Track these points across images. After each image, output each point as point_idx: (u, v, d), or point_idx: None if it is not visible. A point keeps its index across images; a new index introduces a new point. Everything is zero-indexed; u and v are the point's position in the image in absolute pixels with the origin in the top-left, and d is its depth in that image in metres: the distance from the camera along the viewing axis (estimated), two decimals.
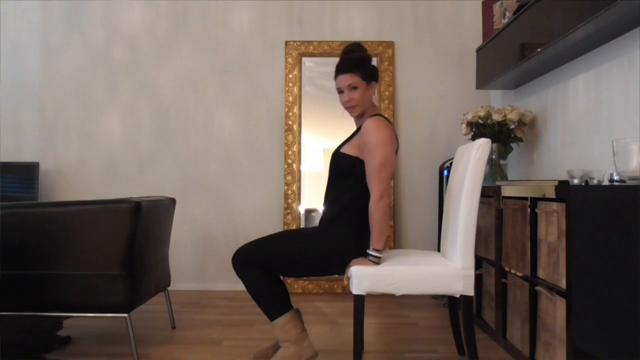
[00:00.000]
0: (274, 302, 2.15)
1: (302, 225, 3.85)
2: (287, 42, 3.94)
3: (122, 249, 2.29)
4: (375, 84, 2.23)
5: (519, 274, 2.32)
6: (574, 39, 2.30)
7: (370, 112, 2.23)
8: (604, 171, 2.04)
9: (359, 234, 2.14)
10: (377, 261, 2.08)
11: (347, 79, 2.17)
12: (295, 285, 3.76)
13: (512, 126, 3.15)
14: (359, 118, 2.26)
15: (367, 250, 2.10)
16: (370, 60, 2.27)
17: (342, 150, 2.20)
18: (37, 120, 4.00)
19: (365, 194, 2.13)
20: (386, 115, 3.85)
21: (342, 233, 2.14)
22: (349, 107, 2.22)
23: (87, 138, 3.99)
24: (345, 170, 2.17)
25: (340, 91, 2.21)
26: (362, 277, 2.06)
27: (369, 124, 2.12)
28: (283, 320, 2.12)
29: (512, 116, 3.08)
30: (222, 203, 3.94)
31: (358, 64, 2.18)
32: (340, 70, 2.20)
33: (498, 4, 3.19)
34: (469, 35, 3.88)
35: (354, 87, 2.18)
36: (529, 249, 2.19)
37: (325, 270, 2.22)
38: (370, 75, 2.20)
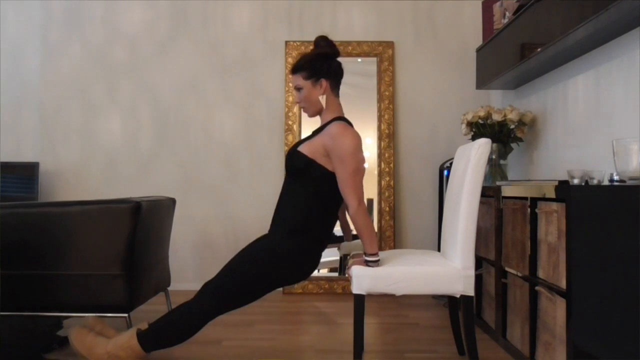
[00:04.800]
0: (166, 341, 2.11)
1: None
2: (287, 42, 3.94)
3: (122, 249, 2.29)
4: (326, 81, 2.15)
5: (519, 274, 2.32)
6: (574, 39, 2.30)
7: (332, 113, 2.19)
8: (604, 171, 2.04)
9: (311, 247, 2.12)
10: (376, 265, 2.08)
11: (293, 80, 2.20)
12: (295, 285, 3.75)
13: (512, 126, 3.15)
14: (320, 117, 2.23)
15: (364, 257, 2.09)
16: (321, 56, 2.18)
17: (299, 148, 2.13)
18: (37, 120, 4.00)
19: (319, 201, 2.10)
20: (384, 116, 3.87)
21: (294, 248, 2.10)
22: (301, 107, 2.24)
23: (87, 138, 3.99)
24: (300, 169, 2.11)
25: None
26: (362, 277, 2.06)
27: (335, 130, 2.07)
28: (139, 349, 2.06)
29: (512, 116, 3.08)
30: (222, 203, 3.94)
31: (302, 64, 2.17)
32: (290, 71, 2.23)
33: (498, 4, 3.19)
34: (469, 35, 3.88)
35: (298, 88, 2.19)
36: (529, 249, 2.19)
37: (280, 284, 2.19)
38: (315, 73, 2.15)
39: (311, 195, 2.10)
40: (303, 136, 3.82)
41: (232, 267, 2.11)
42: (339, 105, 2.23)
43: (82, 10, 4.00)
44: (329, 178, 2.09)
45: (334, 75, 2.20)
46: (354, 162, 2.06)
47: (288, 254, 2.09)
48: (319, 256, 2.17)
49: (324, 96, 2.17)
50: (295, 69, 2.18)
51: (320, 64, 2.16)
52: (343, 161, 2.05)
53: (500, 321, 2.53)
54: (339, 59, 2.24)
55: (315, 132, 2.21)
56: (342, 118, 2.19)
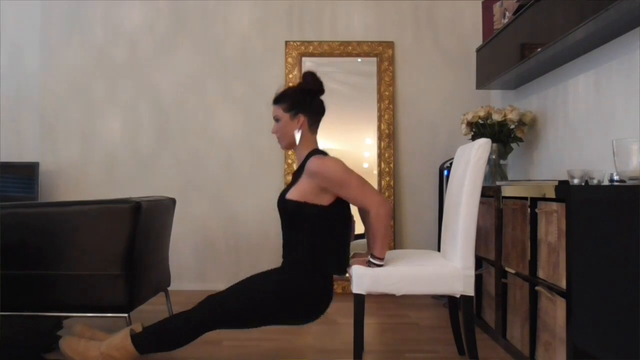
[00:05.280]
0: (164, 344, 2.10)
1: None
2: (287, 42, 3.94)
3: (122, 249, 2.29)
4: (304, 116, 2.14)
5: (519, 274, 2.32)
6: (574, 39, 2.30)
7: (306, 149, 2.17)
8: (604, 171, 2.04)
9: (317, 284, 2.10)
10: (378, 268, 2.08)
11: (273, 110, 2.21)
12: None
13: (512, 126, 3.15)
14: (295, 152, 2.23)
15: (370, 259, 2.09)
16: (305, 92, 2.17)
17: (288, 196, 2.11)
18: (37, 120, 3.99)
19: (322, 237, 2.09)
20: (385, 116, 3.87)
21: (302, 289, 2.07)
22: (277, 137, 2.24)
23: (87, 138, 3.99)
24: (295, 216, 2.10)
25: None
26: (362, 277, 2.06)
27: (315, 166, 2.05)
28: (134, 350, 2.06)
29: (512, 116, 3.08)
30: (222, 203, 3.94)
31: (284, 96, 2.18)
32: (272, 101, 2.22)
33: (498, 4, 3.19)
34: (469, 35, 3.88)
35: (276, 119, 2.20)
36: (529, 249, 2.19)
37: (288, 321, 2.16)
38: (295, 107, 2.14)
39: (312, 235, 2.09)
40: None
41: (242, 288, 2.09)
42: (315, 141, 2.21)
43: (82, 10, 4.00)
44: (326, 214, 2.08)
45: (314, 113, 2.19)
46: (352, 177, 2.07)
47: (299, 294, 2.07)
48: (331, 294, 2.14)
49: (300, 131, 2.15)
50: (277, 100, 2.19)
51: (301, 98, 2.16)
52: (343, 184, 2.05)
53: (500, 321, 2.53)
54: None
55: (296, 173, 2.20)
56: (316, 151, 2.17)
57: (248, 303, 2.05)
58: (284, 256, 2.19)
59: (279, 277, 2.11)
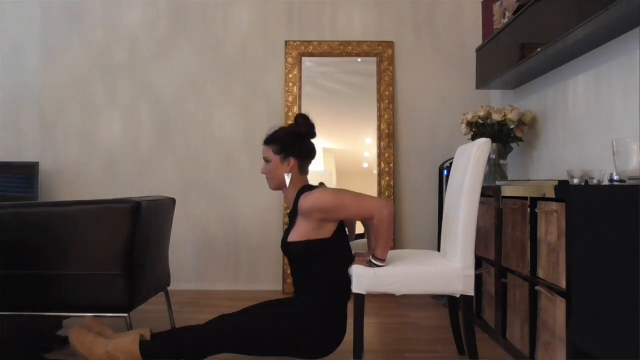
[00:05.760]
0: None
1: None
2: (287, 42, 3.94)
3: (122, 249, 2.29)
4: (295, 160, 2.14)
5: (519, 274, 2.32)
6: (574, 39, 2.30)
7: (294, 189, 2.16)
8: (604, 171, 2.04)
9: (332, 320, 2.10)
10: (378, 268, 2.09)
11: (263, 151, 2.20)
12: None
13: (512, 126, 3.15)
14: (284, 193, 2.23)
15: (371, 259, 2.10)
16: (296, 135, 2.17)
17: (290, 239, 2.12)
18: (37, 120, 3.99)
19: (330, 272, 2.10)
20: (384, 116, 3.87)
21: (316, 321, 2.06)
22: (266, 178, 2.24)
23: (87, 138, 3.99)
24: (302, 257, 2.11)
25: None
26: (362, 277, 2.06)
27: (308, 204, 2.05)
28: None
29: (512, 116, 3.08)
30: (222, 203, 3.94)
31: (275, 138, 2.17)
32: (264, 141, 2.22)
33: (498, 4, 3.19)
34: (469, 35, 3.88)
35: (267, 161, 2.19)
36: (529, 249, 2.19)
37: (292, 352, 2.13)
38: (285, 149, 2.14)
39: (323, 267, 2.11)
40: None
41: (257, 317, 2.08)
42: (305, 181, 2.22)
43: (82, 10, 4.00)
44: (330, 246, 2.10)
45: (304, 156, 2.19)
46: (344, 197, 2.09)
47: (315, 330, 2.06)
48: (345, 327, 2.13)
49: (290, 174, 2.15)
50: (268, 141, 2.19)
51: (293, 142, 2.16)
52: (339, 208, 2.07)
53: (500, 321, 2.53)
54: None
55: (292, 215, 2.20)
56: (303, 188, 2.16)
57: (262, 334, 2.03)
58: (296, 292, 2.20)
59: (296, 313, 2.09)
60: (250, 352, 2.09)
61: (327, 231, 2.09)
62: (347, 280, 2.13)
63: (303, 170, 2.20)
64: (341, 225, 2.16)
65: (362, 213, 2.10)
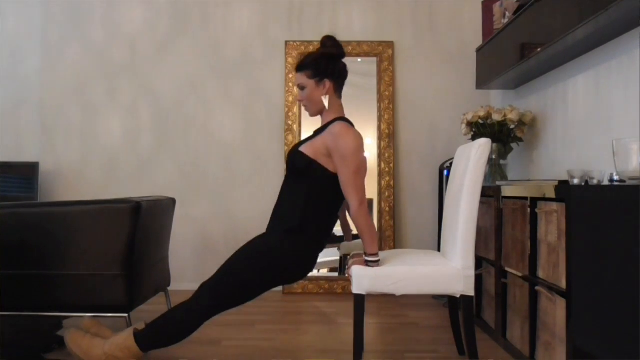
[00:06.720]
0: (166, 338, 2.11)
1: None
2: (287, 42, 3.94)
3: (122, 249, 2.29)
4: (329, 81, 2.15)
5: (519, 274, 2.32)
6: (574, 39, 2.30)
7: (333, 113, 2.19)
8: (604, 171, 2.04)
9: (308, 248, 2.13)
10: (376, 265, 2.08)
11: (297, 78, 2.20)
12: (295, 285, 3.75)
13: (512, 126, 3.15)
14: (322, 117, 2.23)
15: (365, 258, 2.10)
16: (327, 57, 2.17)
17: (301, 148, 2.13)
18: (37, 120, 3.99)
19: (319, 201, 2.11)
20: (384, 116, 3.87)
21: (291, 248, 2.09)
22: (303, 106, 2.25)
23: (87, 138, 3.99)
24: (300, 169, 2.11)
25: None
26: (362, 277, 2.06)
27: (337, 129, 2.08)
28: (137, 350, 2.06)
29: (512, 116, 3.08)
30: (222, 203, 3.94)
31: (307, 63, 2.17)
32: (295, 69, 2.23)
33: (498, 4, 3.19)
34: (469, 35, 3.88)
35: (302, 87, 2.18)
36: (529, 249, 2.19)
37: (277, 283, 2.18)
38: (320, 72, 2.14)
39: (311, 195, 2.10)
40: (303, 136, 3.83)
41: (229, 267, 2.11)
42: (341, 106, 2.24)
43: (82, 10, 4.00)
44: (330, 179, 2.09)
45: (338, 77, 2.19)
46: (356, 161, 2.06)
47: (284, 254, 2.09)
48: (316, 257, 2.17)
49: (327, 96, 2.16)
50: (300, 67, 2.18)
51: (325, 64, 2.16)
52: (345, 161, 2.05)
53: (500, 321, 2.53)
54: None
55: (317, 132, 2.20)
56: (344, 118, 2.20)
57: (241, 278, 2.07)
58: (273, 214, 2.19)
59: (266, 243, 2.12)
60: (242, 298, 2.12)
61: (332, 166, 2.09)
62: (329, 220, 2.16)
63: (338, 91, 2.21)
64: None
65: (346, 186, 2.06)
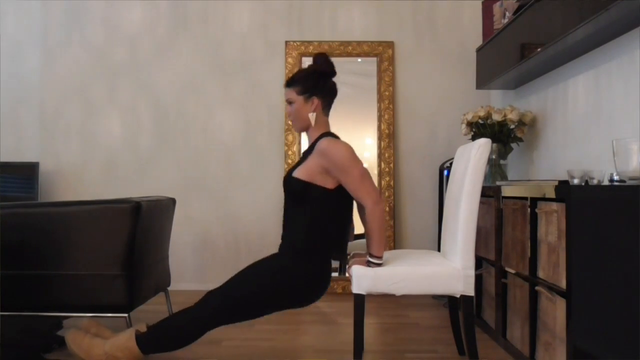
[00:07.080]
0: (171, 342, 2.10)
1: None
2: (287, 42, 3.94)
3: (122, 249, 2.29)
4: (318, 99, 2.15)
5: (519, 274, 2.32)
6: (574, 39, 2.30)
7: (319, 130, 2.19)
8: (604, 171, 2.04)
9: (321, 269, 2.11)
10: (377, 267, 2.08)
11: (286, 93, 2.20)
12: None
13: (512, 126, 3.15)
14: (307, 133, 2.23)
15: (368, 258, 2.10)
16: (317, 74, 2.18)
17: (295, 174, 2.12)
18: (37, 120, 4.00)
19: (323, 221, 2.10)
20: (384, 116, 3.87)
21: (304, 271, 2.08)
22: (290, 121, 2.25)
23: (87, 138, 3.99)
24: (298, 195, 2.10)
25: None
26: (362, 277, 2.06)
27: (324, 145, 2.07)
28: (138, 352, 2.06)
29: (512, 116, 3.08)
30: (222, 203, 3.94)
31: (297, 79, 2.17)
32: (285, 84, 2.23)
33: (498, 4, 3.19)
34: (469, 35, 3.88)
35: (290, 102, 2.19)
36: (529, 249, 2.19)
37: (288, 306, 2.17)
38: (309, 89, 2.15)
39: (313, 216, 2.09)
40: (303, 136, 3.83)
41: (238, 280, 2.10)
42: (327, 123, 2.24)
43: (82, 10, 4.00)
44: (330, 197, 2.09)
45: (327, 95, 2.20)
46: (357, 166, 2.07)
47: (296, 274, 2.08)
48: (329, 276, 2.15)
49: (314, 114, 2.16)
50: (290, 83, 2.19)
51: (315, 81, 2.16)
52: (345, 171, 2.05)
53: (500, 321, 2.53)
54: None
55: (306, 153, 2.20)
56: (328, 133, 2.20)
57: (247, 293, 2.06)
58: (282, 238, 2.19)
59: (276, 263, 2.11)
60: (244, 316, 2.11)
61: (330, 182, 2.08)
62: (337, 240, 2.14)
63: (326, 109, 2.22)
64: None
65: (357, 191, 2.07)
